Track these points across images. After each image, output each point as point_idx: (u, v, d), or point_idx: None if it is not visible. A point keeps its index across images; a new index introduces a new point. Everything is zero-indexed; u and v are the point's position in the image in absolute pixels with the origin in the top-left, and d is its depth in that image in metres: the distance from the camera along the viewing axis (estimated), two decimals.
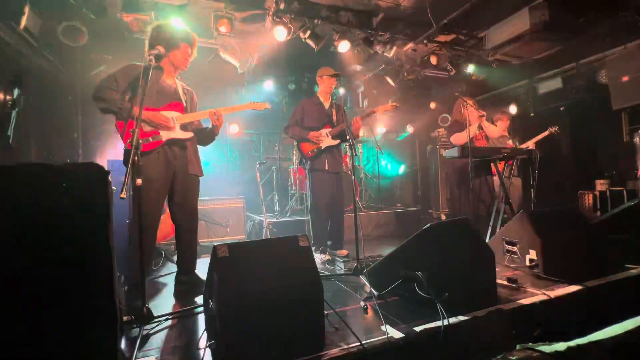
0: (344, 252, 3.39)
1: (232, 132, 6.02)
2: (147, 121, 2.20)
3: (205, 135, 2.56)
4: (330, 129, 3.40)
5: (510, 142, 4.88)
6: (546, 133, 4.74)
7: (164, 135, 2.27)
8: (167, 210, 2.54)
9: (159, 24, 2.38)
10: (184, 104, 2.41)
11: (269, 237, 4.03)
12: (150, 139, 2.20)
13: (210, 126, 2.49)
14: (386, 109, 3.32)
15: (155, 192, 2.23)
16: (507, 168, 3.85)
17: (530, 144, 4.75)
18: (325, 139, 3.38)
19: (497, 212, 3.49)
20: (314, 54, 4.61)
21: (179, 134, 2.34)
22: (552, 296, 1.99)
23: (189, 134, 2.39)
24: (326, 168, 3.37)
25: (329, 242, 3.50)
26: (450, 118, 4.47)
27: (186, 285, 2.42)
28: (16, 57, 3.92)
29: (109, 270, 1.27)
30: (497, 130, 4.12)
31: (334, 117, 3.49)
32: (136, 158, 1.69)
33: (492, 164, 3.65)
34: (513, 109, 6.34)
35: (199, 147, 2.59)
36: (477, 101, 4.04)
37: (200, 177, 2.52)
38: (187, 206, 2.41)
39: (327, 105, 3.51)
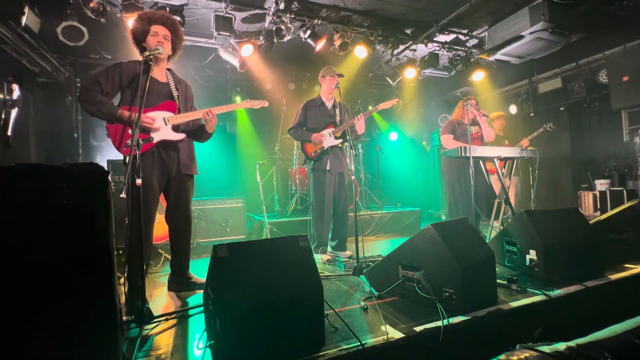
0: (348, 253, 3.40)
1: (232, 131, 6.02)
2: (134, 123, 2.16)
3: (199, 133, 2.49)
4: (333, 129, 3.41)
5: (507, 142, 4.88)
6: (541, 130, 4.73)
7: (156, 137, 2.22)
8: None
9: (135, 18, 2.30)
10: (177, 104, 2.33)
11: (269, 237, 4.03)
12: (141, 141, 2.17)
13: (203, 123, 2.42)
14: (387, 106, 3.31)
15: (152, 192, 2.20)
16: (507, 167, 3.85)
17: (525, 142, 4.74)
18: (328, 138, 3.38)
19: (497, 212, 3.49)
20: (314, 53, 4.61)
21: (170, 135, 2.27)
22: (552, 296, 1.99)
23: (180, 136, 2.31)
24: (328, 168, 3.37)
25: (334, 243, 3.50)
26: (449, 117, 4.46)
27: (179, 286, 2.42)
28: (16, 56, 3.93)
29: (108, 271, 1.27)
30: (493, 135, 4.09)
31: (337, 117, 3.48)
32: (135, 158, 1.69)
33: (487, 163, 3.64)
34: (513, 109, 6.33)
35: (197, 143, 2.54)
36: (477, 101, 4.03)
37: (199, 177, 2.50)
38: (181, 206, 2.39)
39: (329, 105, 3.51)
